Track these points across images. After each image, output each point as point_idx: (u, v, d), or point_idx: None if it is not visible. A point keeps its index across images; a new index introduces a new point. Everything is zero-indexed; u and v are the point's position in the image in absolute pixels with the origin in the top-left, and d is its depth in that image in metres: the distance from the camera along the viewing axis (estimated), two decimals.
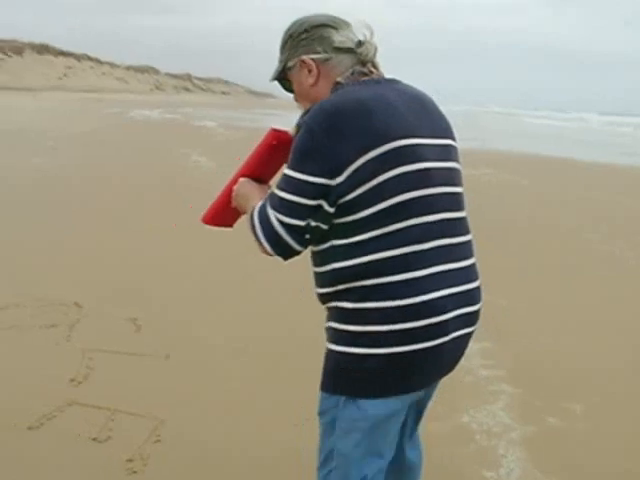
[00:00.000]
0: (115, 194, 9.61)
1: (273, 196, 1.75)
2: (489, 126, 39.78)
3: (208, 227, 2.20)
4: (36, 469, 2.85)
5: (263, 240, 1.75)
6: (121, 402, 3.39)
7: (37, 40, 70.53)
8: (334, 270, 1.75)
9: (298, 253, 1.79)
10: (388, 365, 1.73)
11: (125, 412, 3.31)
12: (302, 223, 1.70)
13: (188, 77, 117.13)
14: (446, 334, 1.74)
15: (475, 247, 1.91)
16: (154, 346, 4.16)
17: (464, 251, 1.84)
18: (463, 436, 3.37)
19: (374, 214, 1.68)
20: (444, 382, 3.95)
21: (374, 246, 1.69)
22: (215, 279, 5.74)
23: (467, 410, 3.62)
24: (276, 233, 1.72)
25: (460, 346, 1.88)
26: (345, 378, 1.78)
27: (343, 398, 1.79)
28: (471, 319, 1.85)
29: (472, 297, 1.85)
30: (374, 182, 1.66)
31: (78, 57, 76.81)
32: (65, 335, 4.24)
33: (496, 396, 3.81)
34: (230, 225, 2.20)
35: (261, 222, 1.75)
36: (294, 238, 1.72)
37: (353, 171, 1.66)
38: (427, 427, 3.40)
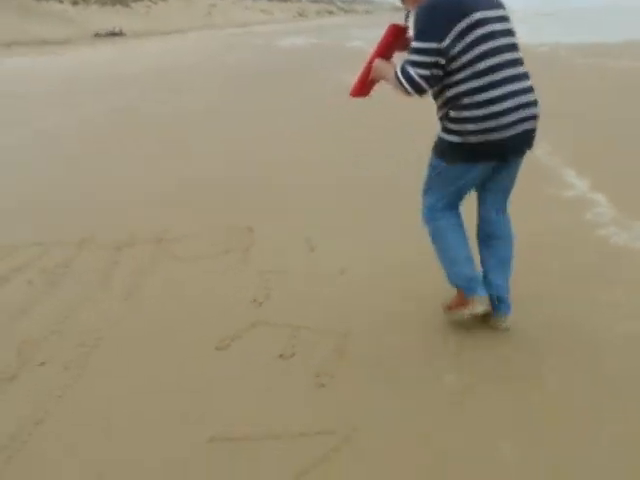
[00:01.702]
0: (272, 119, 9.71)
1: (407, 60, 2.76)
2: None
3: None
4: (227, 387, 2.93)
5: (406, 85, 2.76)
6: (302, 319, 3.43)
7: None
8: (447, 98, 2.83)
9: (426, 91, 2.81)
10: (474, 147, 2.82)
11: (307, 328, 3.34)
12: (428, 72, 2.73)
13: (330, 0, 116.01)
14: (512, 128, 2.77)
15: None
16: (329, 263, 4.17)
17: (524, 77, 2.83)
18: None
19: (467, 60, 2.71)
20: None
21: (467, 79, 2.73)
22: (385, 199, 5.64)
23: None
24: (413, 79, 2.74)
25: (524, 138, 2.87)
26: (449, 152, 2.92)
27: (444, 163, 2.96)
28: (531, 121, 2.84)
29: (531, 105, 2.83)
30: (465, 41, 2.68)
31: None
32: (241, 259, 4.33)
33: None
34: (367, 94, 3.20)
35: (403, 74, 2.76)
36: (425, 81, 2.74)
37: (452, 36, 2.67)
38: (618, 328, 3.19)
